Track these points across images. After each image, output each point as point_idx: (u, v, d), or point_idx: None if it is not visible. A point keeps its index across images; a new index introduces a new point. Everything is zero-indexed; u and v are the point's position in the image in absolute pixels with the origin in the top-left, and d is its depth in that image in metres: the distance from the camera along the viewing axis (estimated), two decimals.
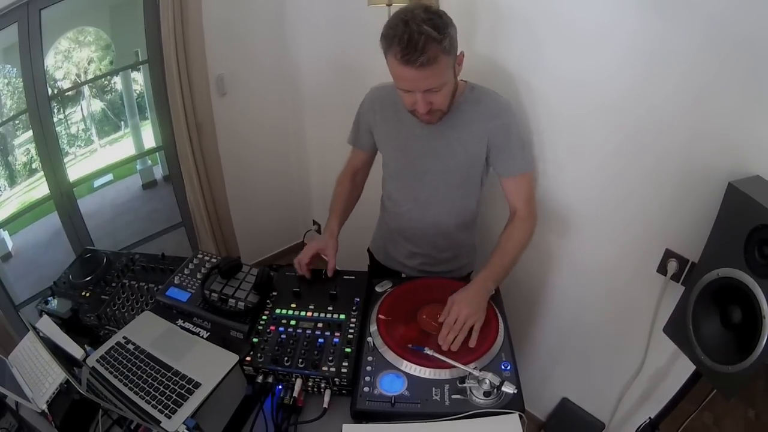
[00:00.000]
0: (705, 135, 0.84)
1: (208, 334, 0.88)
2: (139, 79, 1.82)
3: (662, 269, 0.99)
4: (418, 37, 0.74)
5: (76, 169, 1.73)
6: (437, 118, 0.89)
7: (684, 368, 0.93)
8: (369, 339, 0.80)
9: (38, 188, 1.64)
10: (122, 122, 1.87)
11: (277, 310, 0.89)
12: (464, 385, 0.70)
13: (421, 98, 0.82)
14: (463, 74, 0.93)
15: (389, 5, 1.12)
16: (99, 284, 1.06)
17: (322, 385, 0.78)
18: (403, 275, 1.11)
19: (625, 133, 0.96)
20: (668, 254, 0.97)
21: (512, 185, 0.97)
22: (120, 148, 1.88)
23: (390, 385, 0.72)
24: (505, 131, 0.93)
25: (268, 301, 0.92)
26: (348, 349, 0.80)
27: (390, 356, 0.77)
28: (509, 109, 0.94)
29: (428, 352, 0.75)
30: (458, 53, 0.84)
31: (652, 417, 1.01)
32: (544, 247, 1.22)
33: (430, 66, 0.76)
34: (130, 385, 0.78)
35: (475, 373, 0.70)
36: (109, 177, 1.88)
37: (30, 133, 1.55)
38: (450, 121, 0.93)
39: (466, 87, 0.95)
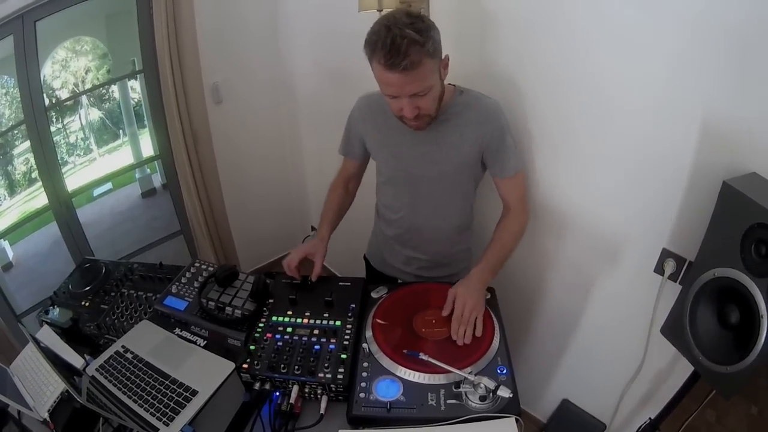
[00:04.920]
0: (699, 132, 0.83)
1: (206, 342, 0.88)
2: (136, 88, 1.83)
3: (659, 269, 0.98)
4: (401, 41, 0.74)
5: (75, 177, 1.74)
6: (425, 123, 0.89)
7: (684, 368, 0.92)
8: (364, 345, 0.80)
9: (38, 198, 1.65)
10: (120, 131, 1.88)
11: (274, 318, 0.89)
12: (460, 389, 0.70)
13: (407, 103, 0.82)
14: (453, 77, 0.93)
15: (380, 11, 1.13)
16: (98, 294, 1.07)
17: (319, 392, 0.78)
18: (400, 281, 1.11)
19: (617, 133, 0.95)
20: (665, 254, 0.97)
21: (507, 185, 0.99)
22: (119, 156, 1.89)
23: (386, 391, 0.72)
24: (499, 134, 0.93)
25: (264, 308, 0.92)
26: (344, 356, 0.80)
27: (385, 362, 0.77)
28: (500, 111, 0.94)
29: (423, 357, 0.75)
30: (443, 57, 0.84)
31: (652, 417, 1.01)
32: (541, 249, 1.21)
33: (414, 70, 0.76)
34: (128, 393, 0.79)
35: (471, 377, 0.70)
36: (109, 186, 1.89)
37: (29, 142, 1.57)
38: (441, 125, 0.93)
39: (455, 91, 0.95)
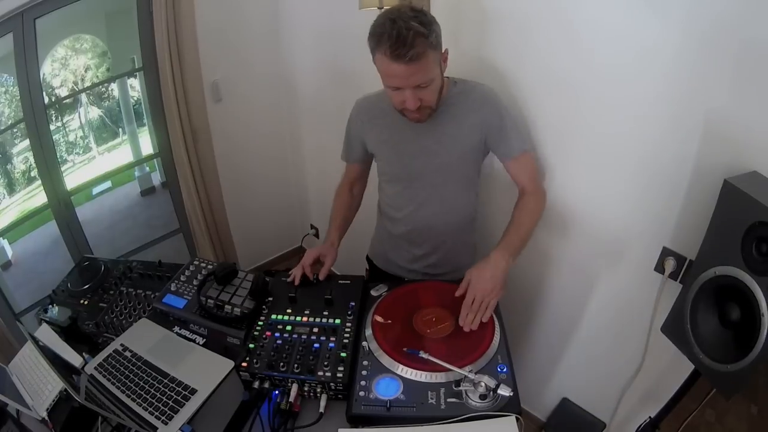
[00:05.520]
0: (700, 131, 0.83)
1: (205, 340, 0.88)
2: (136, 86, 1.83)
3: (660, 268, 0.98)
4: (407, 33, 0.76)
5: (75, 176, 1.74)
6: (426, 115, 0.90)
7: (684, 366, 0.92)
8: (364, 343, 0.80)
9: (37, 196, 1.65)
10: (120, 129, 1.88)
11: (273, 316, 0.89)
12: (460, 388, 0.70)
13: (410, 95, 0.83)
14: (452, 72, 0.93)
15: (380, 8, 1.12)
16: (97, 292, 1.06)
17: (318, 390, 0.78)
18: (406, 279, 1.11)
19: (618, 131, 0.95)
20: (666, 252, 0.97)
21: (515, 165, 0.99)
22: (118, 155, 1.89)
23: (386, 389, 0.72)
24: (497, 115, 0.94)
25: (263, 306, 0.92)
26: (343, 354, 0.80)
27: (385, 360, 0.77)
28: (495, 95, 0.95)
29: (423, 355, 0.74)
30: (443, 50, 0.86)
31: (652, 416, 1.01)
32: (541, 247, 1.21)
33: (418, 60, 0.78)
34: (127, 392, 0.79)
35: (471, 376, 0.70)
36: (108, 184, 1.89)
37: (28, 141, 1.56)
38: (439, 117, 0.94)
39: (450, 82, 0.96)
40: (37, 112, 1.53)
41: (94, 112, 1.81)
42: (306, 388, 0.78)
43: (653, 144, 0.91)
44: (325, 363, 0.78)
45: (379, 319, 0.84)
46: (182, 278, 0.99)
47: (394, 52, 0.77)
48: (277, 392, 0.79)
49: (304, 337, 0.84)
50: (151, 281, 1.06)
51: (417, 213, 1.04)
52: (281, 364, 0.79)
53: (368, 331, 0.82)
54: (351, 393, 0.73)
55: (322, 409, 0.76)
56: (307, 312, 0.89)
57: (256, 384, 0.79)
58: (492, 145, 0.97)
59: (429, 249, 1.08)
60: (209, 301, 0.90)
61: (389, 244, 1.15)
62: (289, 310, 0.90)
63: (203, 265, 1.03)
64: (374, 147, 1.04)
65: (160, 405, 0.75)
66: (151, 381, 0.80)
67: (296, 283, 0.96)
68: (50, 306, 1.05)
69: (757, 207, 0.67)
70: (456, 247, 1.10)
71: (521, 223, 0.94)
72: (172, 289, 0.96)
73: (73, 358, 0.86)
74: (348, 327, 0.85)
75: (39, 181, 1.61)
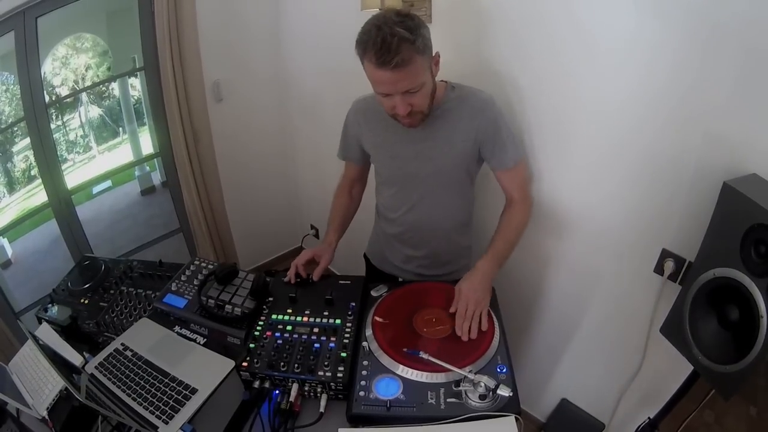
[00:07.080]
0: (699, 133, 0.83)
1: (205, 340, 0.88)
2: (137, 85, 1.83)
3: (659, 269, 0.99)
4: (391, 39, 0.75)
5: (75, 175, 1.74)
6: (418, 120, 0.89)
7: (683, 368, 0.92)
8: (364, 343, 0.80)
9: (37, 195, 1.65)
10: (120, 128, 1.88)
11: (274, 316, 0.90)
12: (459, 388, 0.70)
13: (400, 100, 0.82)
14: (450, 75, 0.93)
15: (382, 10, 1.12)
16: (97, 291, 1.06)
17: (319, 390, 0.78)
18: (400, 279, 1.11)
19: (617, 133, 0.95)
20: (665, 254, 0.97)
21: (507, 177, 0.99)
22: (118, 154, 1.89)
23: (386, 389, 0.72)
24: (494, 125, 0.93)
25: (264, 306, 0.92)
26: (344, 354, 0.80)
27: (385, 360, 0.77)
28: (493, 102, 0.94)
29: (423, 355, 0.75)
30: (434, 54, 0.85)
31: (651, 417, 1.01)
32: (541, 248, 1.21)
33: (405, 66, 0.77)
34: (128, 391, 0.79)
35: (471, 376, 0.70)
36: (108, 183, 1.89)
37: (29, 139, 1.56)
38: (435, 122, 0.93)
39: (447, 87, 0.95)
40: (38, 111, 1.53)
41: (95, 111, 1.81)
42: (306, 388, 0.79)
43: (653, 146, 0.91)
44: (326, 363, 0.78)
45: (379, 319, 0.85)
46: (183, 278, 0.99)
47: (379, 59, 0.76)
48: (277, 392, 0.79)
49: (304, 337, 0.84)
50: (152, 281, 1.06)
51: (410, 215, 1.05)
52: (281, 363, 0.79)
53: (368, 332, 0.83)
54: (351, 393, 0.73)
55: (322, 409, 0.76)
56: (307, 312, 0.89)
57: (257, 384, 0.80)
58: (485, 155, 0.96)
59: (421, 250, 1.09)
60: (210, 300, 0.90)
61: (384, 243, 1.15)
62: (289, 310, 0.90)
63: (204, 264, 1.03)
64: (370, 148, 1.04)
65: (160, 404, 0.75)
66: (152, 380, 0.80)
67: (291, 282, 0.97)
68: (50, 305, 1.05)
69: (756, 209, 0.67)
70: (449, 250, 1.10)
71: (508, 235, 0.96)
72: (173, 288, 0.97)
73: (74, 357, 0.86)
74: (348, 327, 0.85)
75: (39, 180, 1.61)
